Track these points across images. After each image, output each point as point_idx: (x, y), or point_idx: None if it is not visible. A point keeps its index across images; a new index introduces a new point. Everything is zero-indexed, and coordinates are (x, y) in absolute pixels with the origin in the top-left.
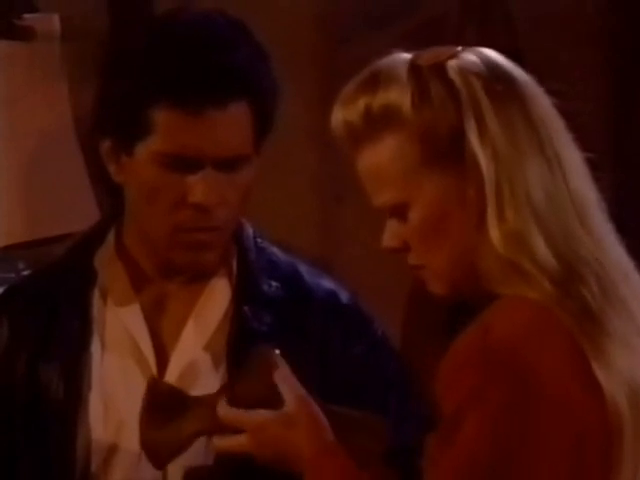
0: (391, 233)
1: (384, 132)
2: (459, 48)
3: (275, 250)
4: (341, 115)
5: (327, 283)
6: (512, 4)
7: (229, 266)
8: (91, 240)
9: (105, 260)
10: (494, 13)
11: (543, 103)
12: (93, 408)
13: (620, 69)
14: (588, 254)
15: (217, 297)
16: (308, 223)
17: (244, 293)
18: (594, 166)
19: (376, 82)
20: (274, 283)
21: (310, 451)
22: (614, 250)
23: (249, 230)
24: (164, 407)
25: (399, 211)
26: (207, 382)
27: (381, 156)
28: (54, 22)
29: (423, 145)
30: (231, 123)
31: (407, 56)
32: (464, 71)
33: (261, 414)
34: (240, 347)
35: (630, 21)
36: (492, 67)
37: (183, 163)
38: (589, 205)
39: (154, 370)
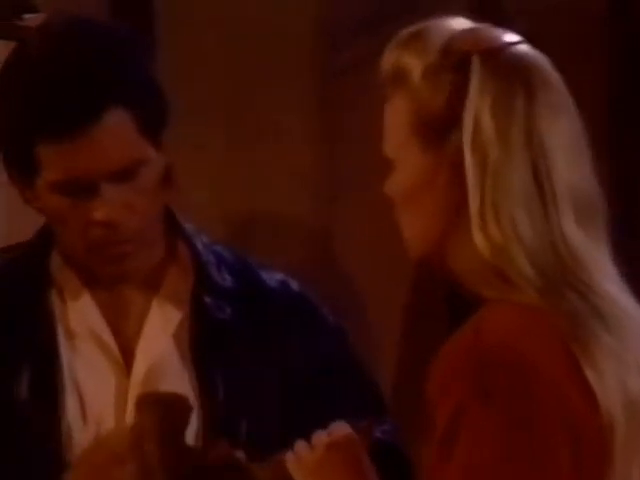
0: (389, 181)
1: (397, 88)
2: (507, 38)
3: (219, 247)
4: (385, 58)
5: (277, 274)
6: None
7: (181, 261)
8: (44, 243)
9: (58, 262)
10: (492, 15)
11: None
12: (70, 407)
13: (618, 60)
14: (573, 278)
15: (176, 291)
16: (302, 224)
17: (202, 285)
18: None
19: (414, 40)
20: (227, 276)
21: None
22: (607, 280)
23: (189, 226)
24: None
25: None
26: (175, 375)
27: (391, 109)
28: None
29: (415, 117)
30: (106, 137)
31: (456, 28)
32: (487, 71)
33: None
34: (205, 337)
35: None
36: (523, 73)
37: (78, 187)
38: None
39: (120, 360)
